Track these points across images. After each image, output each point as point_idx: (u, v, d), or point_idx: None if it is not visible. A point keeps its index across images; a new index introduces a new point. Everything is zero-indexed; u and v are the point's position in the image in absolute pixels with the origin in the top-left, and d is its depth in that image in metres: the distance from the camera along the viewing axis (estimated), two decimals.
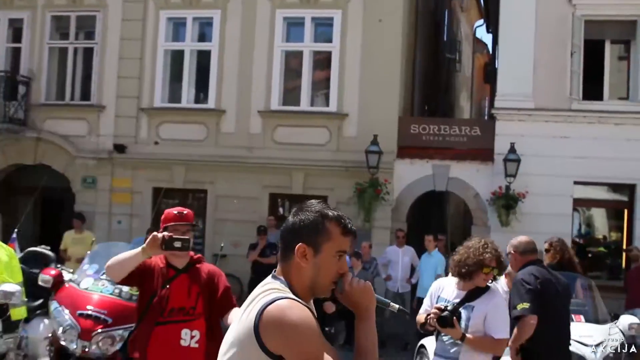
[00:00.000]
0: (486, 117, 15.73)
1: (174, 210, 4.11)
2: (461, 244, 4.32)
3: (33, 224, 15.39)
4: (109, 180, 14.96)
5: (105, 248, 5.95)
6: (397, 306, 2.38)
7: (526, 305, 4.48)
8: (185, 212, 4.10)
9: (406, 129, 13.77)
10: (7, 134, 15.03)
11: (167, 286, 3.93)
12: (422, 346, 6.89)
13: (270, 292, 2.13)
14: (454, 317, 3.91)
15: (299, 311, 2.05)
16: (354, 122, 13.80)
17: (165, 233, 3.78)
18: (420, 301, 10.30)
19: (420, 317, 4.31)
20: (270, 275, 2.27)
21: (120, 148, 14.72)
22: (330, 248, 2.18)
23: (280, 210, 14.77)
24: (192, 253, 4.07)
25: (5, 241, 6.81)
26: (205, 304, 3.97)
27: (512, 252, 4.97)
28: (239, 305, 2.36)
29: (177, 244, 3.76)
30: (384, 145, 13.12)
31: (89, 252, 6.95)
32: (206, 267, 4.18)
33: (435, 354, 4.14)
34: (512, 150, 12.75)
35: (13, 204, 15.35)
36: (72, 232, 12.17)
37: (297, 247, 2.18)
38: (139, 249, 3.76)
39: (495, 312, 4.03)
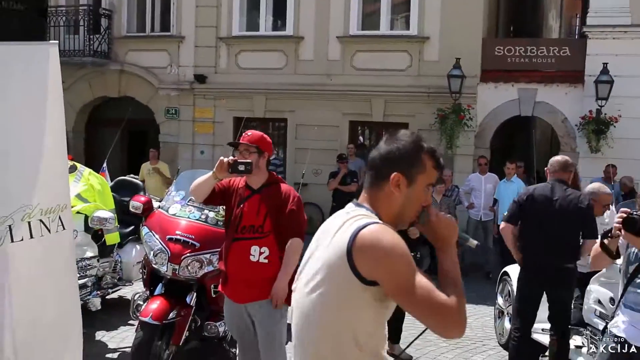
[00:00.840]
0: (577, 36, 14.87)
1: (248, 132, 4.33)
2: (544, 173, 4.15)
3: (120, 156, 15.94)
4: (191, 110, 15.22)
5: (190, 175, 6.06)
6: (475, 242, 2.38)
7: (505, 214, 5.63)
8: (249, 133, 4.29)
9: (490, 51, 13.21)
10: (92, 67, 15.44)
11: (241, 205, 4.19)
12: (505, 273, 6.77)
13: (361, 217, 2.10)
14: None
15: (392, 236, 2.03)
16: (435, 45, 13.35)
17: (230, 157, 4.06)
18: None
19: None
20: (352, 202, 2.24)
21: (200, 78, 14.88)
22: (423, 180, 2.17)
23: (360, 138, 14.69)
24: (274, 174, 4.35)
25: (95, 172, 7.06)
26: (273, 223, 4.17)
27: (547, 169, 5.63)
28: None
29: (241, 167, 4.01)
30: (467, 69, 12.68)
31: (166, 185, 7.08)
32: (283, 188, 4.31)
33: (626, 305, 3.58)
34: (605, 71, 12.04)
35: (100, 136, 15.91)
36: (148, 163, 12.55)
37: (392, 176, 2.14)
38: (210, 172, 4.10)
39: None
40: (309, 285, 2.12)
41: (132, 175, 8.50)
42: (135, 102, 15.10)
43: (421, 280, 1.98)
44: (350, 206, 2.21)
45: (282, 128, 14.82)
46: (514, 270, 6.28)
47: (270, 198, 4.22)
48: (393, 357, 5.97)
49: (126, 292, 7.66)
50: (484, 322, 7.52)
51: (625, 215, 3.38)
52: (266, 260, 4.15)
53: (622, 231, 3.40)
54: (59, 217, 4.54)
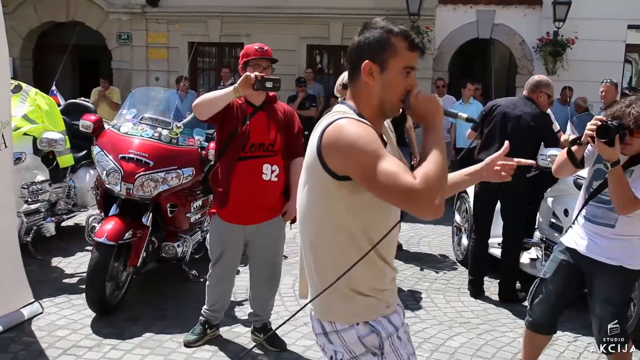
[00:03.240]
0: None
1: (255, 46, 4.13)
2: (502, 95, 4.13)
3: (72, 82, 15.42)
4: (144, 36, 14.72)
5: (143, 92, 5.88)
6: (465, 115, 2.27)
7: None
8: (265, 48, 4.13)
9: None
10: None
11: (247, 122, 4.03)
12: (463, 191, 6.83)
13: (334, 114, 2.08)
14: (618, 134, 3.25)
15: (355, 126, 1.98)
16: None
17: (257, 73, 3.81)
18: (459, 150, 10.17)
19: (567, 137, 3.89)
20: (339, 101, 2.22)
21: (152, 2, 14.32)
22: (397, 64, 2.07)
23: (318, 62, 14.45)
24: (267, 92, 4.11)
25: None
26: (282, 141, 4.10)
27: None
28: None
29: (269, 84, 3.80)
30: None
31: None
32: (281, 106, 4.28)
33: (585, 218, 3.58)
34: None
35: (50, 63, 15.31)
36: (99, 88, 12.25)
37: (363, 64, 2.08)
38: (231, 88, 3.81)
39: None
40: (301, 182, 2.16)
41: (82, 98, 8.20)
42: (85, 27, 14.51)
43: (388, 166, 1.90)
44: (336, 106, 2.17)
45: (238, 53, 14.44)
46: (471, 189, 6.33)
47: (277, 115, 4.14)
48: None
49: (81, 219, 7.50)
50: (441, 240, 7.65)
51: (600, 122, 3.29)
52: (276, 179, 4.08)
53: (594, 139, 3.30)
54: (2, 134, 4.39)
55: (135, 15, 14.55)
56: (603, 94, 7.98)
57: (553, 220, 5.75)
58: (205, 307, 4.50)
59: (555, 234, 5.53)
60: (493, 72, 11.85)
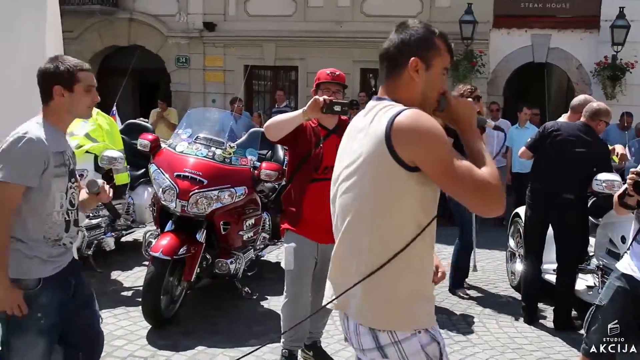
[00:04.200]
0: None
1: (327, 70, 4.18)
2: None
3: (132, 104, 15.90)
4: (202, 59, 15.10)
5: (198, 113, 6.06)
6: (493, 122, 2.39)
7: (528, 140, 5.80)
8: (337, 72, 4.18)
9: None
10: (101, 15, 15.29)
11: (321, 145, 4.07)
12: (516, 215, 6.74)
13: (391, 106, 2.08)
14: None
15: (428, 118, 2.03)
16: None
17: (326, 97, 3.85)
18: (514, 176, 10.04)
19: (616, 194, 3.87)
20: (372, 99, 2.23)
21: (210, 26, 14.72)
22: (439, 63, 2.16)
23: (373, 84, 14.54)
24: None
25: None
26: None
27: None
28: None
29: (337, 108, 3.82)
30: (479, 15, 12.47)
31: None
32: None
33: (638, 241, 3.55)
34: (621, 15, 11.80)
35: (112, 86, 15.79)
36: (158, 109, 12.58)
37: (411, 61, 2.12)
38: (300, 111, 3.85)
39: None
40: (346, 183, 2.15)
41: (141, 118, 8.47)
42: (145, 51, 14.99)
43: (460, 158, 1.99)
44: (371, 103, 2.19)
45: (293, 76, 14.69)
46: (523, 211, 6.26)
47: None
48: None
49: (139, 235, 7.71)
50: (496, 265, 7.54)
51: (635, 177, 3.45)
52: None
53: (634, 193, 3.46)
54: None
55: (193, 39, 14.95)
56: None
57: (610, 247, 5.62)
58: (283, 337, 4.30)
59: (612, 261, 5.40)
60: (549, 96, 11.67)
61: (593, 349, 3.64)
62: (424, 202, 2.06)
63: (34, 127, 2.76)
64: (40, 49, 4.00)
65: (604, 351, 3.60)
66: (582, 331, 3.84)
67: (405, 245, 2.03)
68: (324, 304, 2.27)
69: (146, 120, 8.60)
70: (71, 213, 2.90)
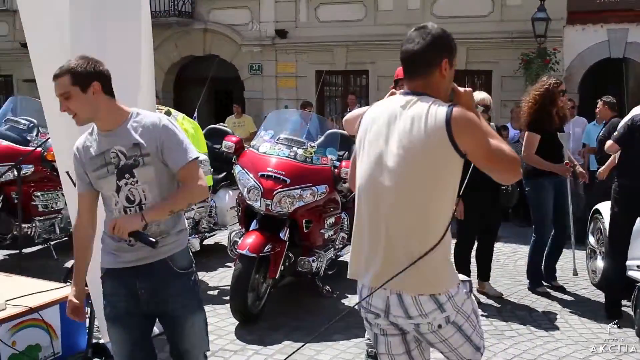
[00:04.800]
0: None
1: None
2: None
3: (207, 111, 16.37)
4: (274, 66, 15.44)
5: (277, 115, 6.31)
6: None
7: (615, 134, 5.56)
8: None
9: None
10: (177, 27, 15.86)
11: None
12: (597, 211, 6.65)
13: (436, 101, 2.42)
14: None
15: (472, 113, 2.44)
16: None
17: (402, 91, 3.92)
18: (593, 174, 9.82)
19: None
20: (408, 93, 2.50)
21: (281, 33, 15.05)
22: (454, 62, 2.52)
23: None
24: None
25: None
26: None
27: None
28: None
29: None
30: (552, 12, 12.30)
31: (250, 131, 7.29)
32: None
33: None
34: None
35: (188, 95, 16.39)
36: (233, 116, 12.91)
37: (443, 61, 2.46)
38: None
39: None
40: (396, 167, 2.41)
41: (221, 123, 8.78)
42: (220, 60, 15.42)
43: (494, 141, 2.39)
44: (409, 97, 2.47)
45: (364, 80, 14.83)
46: (605, 208, 6.18)
47: None
48: (484, 295, 6.06)
49: (221, 238, 8.02)
50: (576, 264, 7.43)
51: None
52: None
53: None
54: None
55: (265, 47, 15.33)
56: None
57: None
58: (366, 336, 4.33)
59: None
60: (627, 92, 11.40)
61: None
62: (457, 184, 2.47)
63: (81, 136, 2.97)
64: (136, 58, 4.28)
65: None
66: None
67: (449, 222, 2.45)
68: (378, 286, 2.46)
69: (225, 125, 8.90)
70: (129, 210, 2.84)
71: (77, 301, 3.04)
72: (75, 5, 3.92)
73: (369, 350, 4.40)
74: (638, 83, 14.94)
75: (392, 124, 2.46)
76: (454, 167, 2.40)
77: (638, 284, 3.74)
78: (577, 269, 6.49)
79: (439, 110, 2.36)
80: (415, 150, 2.38)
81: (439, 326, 2.47)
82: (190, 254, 3.05)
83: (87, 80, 2.79)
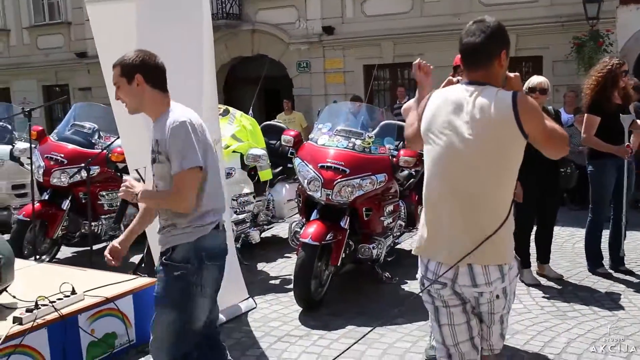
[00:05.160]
0: None
1: None
2: None
3: (257, 110, 16.62)
4: (322, 62, 15.59)
5: (332, 108, 6.45)
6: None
7: None
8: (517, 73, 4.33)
9: None
10: (226, 29, 16.14)
11: None
12: None
13: (499, 89, 2.65)
14: None
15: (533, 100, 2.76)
16: None
17: (459, 78, 3.95)
18: None
19: None
20: (474, 83, 2.69)
21: (328, 30, 15.19)
22: (509, 51, 2.73)
23: None
24: None
25: None
26: None
27: None
28: None
29: None
30: None
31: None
32: None
33: None
34: None
35: (238, 95, 16.67)
36: (283, 114, 13.09)
37: (502, 53, 2.68)
38: (433, 91, 4.02)
39: None
40: (477, 143, 2.62)
41: (276, 119, 8.96)
42: (268, 59, 15.65)
43: (549, 122, 2.71)
44: (472, 87, 2.67)
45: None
46: None
47: None
48: (544, 277, 6.06)
49: (277, 230, 8.21)
50: (635, 245, 7.35)
51: None
52: None
53: None
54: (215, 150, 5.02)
55: (313, 44, 15.49)
56: None
57: None
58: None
59: None
60: None
61: None
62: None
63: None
64: (199, 57, 4.47)
65: None
66: None
67: (513, 200, 2.69)
68: (457, 260, 2.66)
69: (280, 121, 9.09)
70: None
71: (118, 246, 3.36)
72: (141, 10, 4.12)
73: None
74: None
75: (460, 112, 2.67)
76: (519, 148, 2.64)
77: None
78: (624, 250, 6.40)
79: (506, 97, 2.60)
80: (486, 135, 2.61)
81: (497, 297, 2.73)
82: (194, 252, 3.05)
83: (131, 72, 3.03)
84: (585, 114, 5.99)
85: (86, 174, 6.13)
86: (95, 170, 6.77)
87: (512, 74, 2.79)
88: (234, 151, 6.48)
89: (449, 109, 2.70)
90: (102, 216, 7.08)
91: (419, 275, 2.87)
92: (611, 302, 5.43)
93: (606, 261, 6.32)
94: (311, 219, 5.44)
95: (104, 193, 7.11)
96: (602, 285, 5.88)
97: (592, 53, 12.05)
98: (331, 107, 6.56)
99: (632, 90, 6.20)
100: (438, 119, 2.73)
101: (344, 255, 5.46)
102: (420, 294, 2.86)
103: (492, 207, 2.65)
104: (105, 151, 6.58)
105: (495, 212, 2.64)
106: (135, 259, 6.41)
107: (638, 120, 5.92)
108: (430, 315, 2.92)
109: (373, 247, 5.58)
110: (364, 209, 5.47)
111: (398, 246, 6.73)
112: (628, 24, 12.50)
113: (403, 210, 6.36)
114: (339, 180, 5.29)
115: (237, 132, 6.61)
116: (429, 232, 2.78)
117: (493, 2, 13.34)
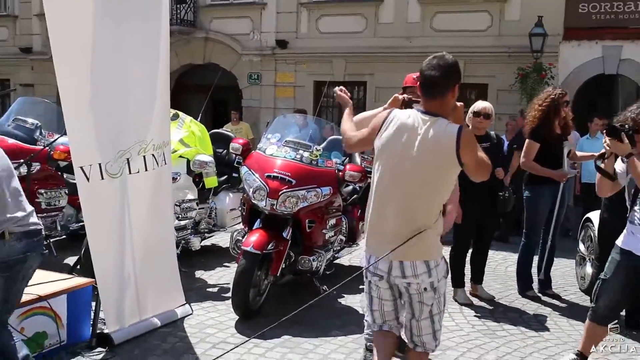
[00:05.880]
0: None
1: (414, 75, 4.40)
2: None
3: (205, 119, 16.52)
4: (273, 75, 15.66)
5: (283, 119, 6.50)
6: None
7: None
8: (414, 76, 4.37)
9: (574, 8, 12.96)
10: (179, 35, 16.01)
11: None
12: (588, 220, 6.85)
13: (449, 123, 3.13)
14: (623, 132, 3.90)
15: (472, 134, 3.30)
16: (516, 4, 13.25)
17: (406, 95, 4.12)
18: (584, 186, 10.02)
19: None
20: (423, 112, 3.17)
21: (282, 44, 15.27)
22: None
23: None
24: None
25: None
26: None
27: None
28: None
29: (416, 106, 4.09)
30: (550, 27, 12.57)
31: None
32: None
33: (632, 222, 4.09)
34: None
35: (186, 102, 16.50)
36: (230, 124, 13.13)
37: (455, 86, 3.15)
38: (380, 108, 4.10)
39: None
40: (412, 166, 3.14)
41: (225, 127, 8.96)
42: (219, 69, 15.61)
43: (480, 153, 3.20)
44: (427, 117, 3.14)
45: (361, 91, 15.06)
46: (595, 216, 6.38)
47: None
48: (476, 297, 6.24)
49: (218, 239, 8.19)
50: (564, 271, 7.63)
51: (607, 126, 4.02)
52: None
53: (608, 140, 3.92)
54: (163, 153, 5.03)
55: (265, 57, 15.55)
56: None
57: None
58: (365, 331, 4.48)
59: None
60: (620, 108, 11.60)
61: (600, 315, 4.24)
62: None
63: None
64: (155, 58, 4.48)
65: (610, 316, 4.26)
66: (592, 304, 4.37)
67: (442, 209, 3.26)
68: (388, 252, 3.18)
69: (228, 130, 9.10)
70: None
71: None
72: (98, 6, 4.11)
73: (368, 344, 4.56)
74: (630, 99, 15.20)
75: (413, 138, 3.15)
76: (454, 174, 3.23)
77: (599, 278, 4.24)
78: (547, 275, 6.62)
79: (452, 131, 3.09)
80: (430, 160, 3.12)
81: (425, 289, 3.22)
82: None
83: None
84: (527, 140, 6.23)
85: (26, 170, 6.00)
86: (36, 167, 6.63)
87: (458, 103, 3.27)
88: (180, 156, 6.45)
89: (404, 133, 3.17)
90: (39, 215, 6.91)
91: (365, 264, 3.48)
92: (538, 323, 5.64)
93: (536, 285, 6.56)
94: (254, 227, 5.48)
95: (43, 191, 6.95)
96: (530, 307, 6.10)
97: (535, 84, 12.50)
98: (281, 118, 6.61)
99: (571, 121, 6.47)
100: (393, 140, 3.21)
101: (284, 266, 5.50)
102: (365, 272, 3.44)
103: (422, 218, 3.17)
104: (47, 148, 6.46)
105: (427, 218, 3.18)
106: (72, 259, 6.31)
107: (577, 152, 6.19)
108: (366, 301, 3.57)
109: (313, 260, 5.64)
110: (307, 220, 5.54)
111: (337, 260, 6.81)
112: (569, 59, 13.02)
113: (345, 225, 6.44)
114: (285, 190, 5.35)
115: (185, 138, 6.60)
116: (372, 232, 3.33)
117: (444, 28, 13.70)
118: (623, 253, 4.10)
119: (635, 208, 4.09)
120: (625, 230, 4.17)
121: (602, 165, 4.11)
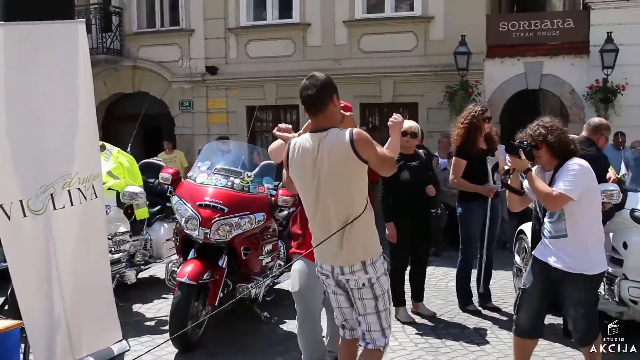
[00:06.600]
0: (580, 8, 15.00)
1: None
2: None
3: (137, 148, 16.21)
4: (205, 102, 15.49)
5: (212, 146, 6.41)
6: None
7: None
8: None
9: (495, 27, 13.38)
10: (106, 64, 15.72)
11: None
12: (521, 232, 7.00)
13: (339, 130, 3.43)
14: (520, 149, 4.06)
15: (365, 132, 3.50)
16: (440, 24, 13.54)
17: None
18: None
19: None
20: (313, 131, 3.47)
21: (212, 70, 15.15)
22: (338, 95, 3.53)
23: (370, 119, 14.89)
24: None
25: None
26: None
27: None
28: None
29: None
30: (473, 46, 12.89)
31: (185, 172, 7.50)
32: None
33: (545, 234, 4.20)
34: (609, 40, 12.20)
35: (117, 132, 16.18)
36: (163, 153, 12.92)
37: (333, 97, 3.45)
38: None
39: (563, 172, 4.02)
40: (329, 175, 3.42)
41: (155, 158, 8.78)
42: (149, 97, 15.38)
43: (379, 147, 3.46)
44: (318, 134, 3.42)
45: (294, 114, 15.07)
46: (528, 228, 6.51)
47: None
48: (418, 315, 6.25)
49: (156, 271, 7.98)
50: (502, 284, 7.75)
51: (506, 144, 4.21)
52: None
53: (509, 156, 4.12)
54: (92, 186, 4.84)
55: (196, 84, 15.39)
56: None
57: (612, 254, 5.84)
58: (303, 358, 4.47)
59: (617, 267, 5.61)
60: None
61: (522, 329, 4.25)
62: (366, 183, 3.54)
63: None
64: (74, 92, 4.33)
65: (533, 327, 4.26)
66: (514, 315, 4.39)
67: (364, 209, 3.48)
68: (316, 245, 3.59)
69: (159, 159, 8.92)
70: None
71: None
72: (8, 38, 3.95)
73: None
74: (553, 111, 15.74)
75: (315, 153, 3.43)
76: (363, 172, 3.47)
77: (520, 288, 4.34)
78: (482, 287, 6.70)
79: (344, 135, 3.38)
80: (336, 165, 3.40)
81: (363, 284, 3.47)
82: None
83: None
84: (453, 157, 6.34)
85: None
86: None
87: (347, 113, 3.63)
88: (109, 188, 6.27)
89: (307, 156, 3.46)
90: None
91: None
92: (479, 337, 5.69)
93: (476, 299, 6.63)
94: (189, 257, 5.34)
95: None
96: (471, 321, 6.15)
97: (463, 101, 12.75)
98: (211, 145, 6.52)
99: (496, 136, 6.61)
100: (300, 164, 3.51)
101: (221, 295, 5.39)
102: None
103: (347, 211, 3.45)
104: None
105: (349, 212, 3.44)
106: None
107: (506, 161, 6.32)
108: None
109: (251, 287, 5.55)
110: (242, 248, 5.45)
111: (277, 286, 6.72)
112: (494, 76, 13.39)
113: (282, 250, 6.38)
114: (217, 218, 5.25)
115: (113, 169, 6.42)
116: (315, 243, 3.61)
117: (372, 49, 13.88)
118: (538, 263, 4.20)
119: (545, 220, 4.21)
120: (540, 242, 4.29)
121: (509, 182, 4.23)
